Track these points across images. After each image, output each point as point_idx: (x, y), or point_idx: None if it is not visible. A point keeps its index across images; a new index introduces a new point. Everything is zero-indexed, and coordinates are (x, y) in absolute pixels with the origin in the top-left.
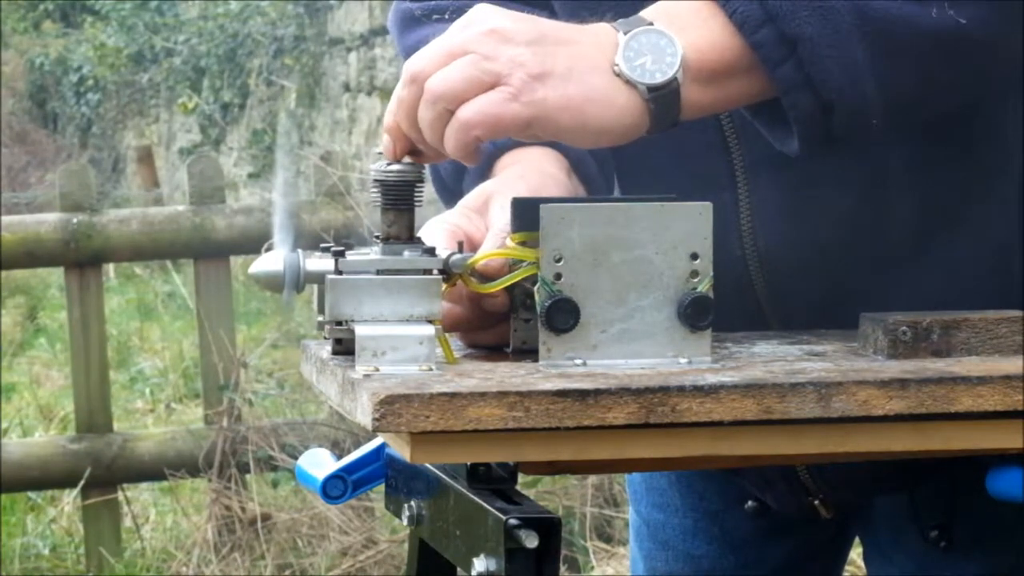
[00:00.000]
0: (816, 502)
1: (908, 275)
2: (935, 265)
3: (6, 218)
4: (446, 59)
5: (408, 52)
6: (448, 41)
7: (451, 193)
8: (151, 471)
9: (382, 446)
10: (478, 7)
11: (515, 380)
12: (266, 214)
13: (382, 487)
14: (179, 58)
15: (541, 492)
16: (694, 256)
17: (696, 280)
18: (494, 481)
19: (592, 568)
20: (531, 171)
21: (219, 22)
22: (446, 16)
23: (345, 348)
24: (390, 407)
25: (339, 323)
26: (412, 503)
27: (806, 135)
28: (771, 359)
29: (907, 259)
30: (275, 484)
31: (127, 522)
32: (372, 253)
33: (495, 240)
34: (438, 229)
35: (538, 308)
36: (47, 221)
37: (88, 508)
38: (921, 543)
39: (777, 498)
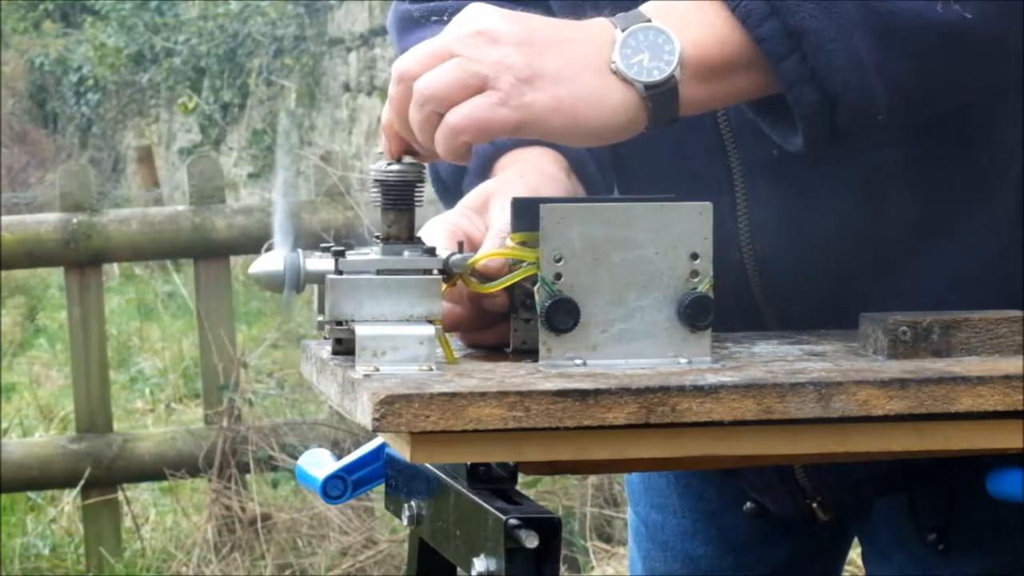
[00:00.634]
0: (814, 504)
1: (907, 277)
2: (934, 267)
3: (6, 218)
4: (432, 60)
5: None
6: (435, 42)
7: (451, 193)
8: (151, 471)
9: (382, 446)
10: (470, 7)
11: (515, 380)
12: (266, 214)
13: (382, 487)
14: (179, 58)
15: (541, 492)
16: (694, 256)
17: (696, 280)
18: (494, 481)
19: (592, 568)
20: (531, 171)
21: (219, 22)
22: (444, 18)
23: (345, 348)
24: (390, 407)
25: (339, 323)
26: (412, 503)
27: (811, 131)
28: (771, 359)
29: (905, 261)
30: (275, 484)
31: (127, 522)
32: (372, 253)
33: (495, 240)
34: (438, 229)
35: (538, 308)
36: (47, 221)
37: (88, 508)
38: (919, 544)
39: (775, 500)
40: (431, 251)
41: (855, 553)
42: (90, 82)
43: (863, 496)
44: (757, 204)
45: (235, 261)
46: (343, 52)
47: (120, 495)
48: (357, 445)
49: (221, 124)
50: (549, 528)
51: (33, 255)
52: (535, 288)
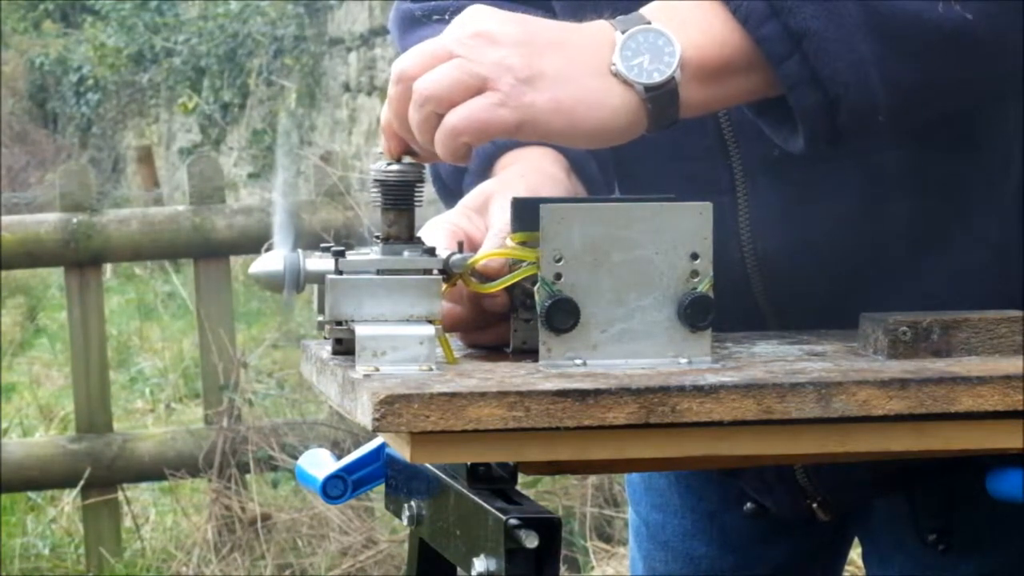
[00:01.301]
0: (814, 504)
1: (907, 278)
2: (934, 268)
3: (6, 218)
4: (432, 61)
5: None
6: (435, 43)
7: (451, 192)
8: (151, 471)
9: (382, 446)
10: (471, 8)
11: (515, 380)
12: (266, 214)
13: (382, 487)
14: (179, 58)
15: (541, 492)
16: (694, 256)
17: (696, 280)
18: (494, 481)
19: (592, 568)
20: (531, 171)
21: (219, 22)
22: (446, 17)
23: (345, 348)
24: (390, 407)
25: (339, 323)
26: (412, 503)
27: (812, 132)
28: (771, 359)
29: (906, 261)
30: (275, 484)
31: (127, 522)
32: (372, 253)
33: (495, 240)
34: (438, 229)
35: (538, 308)
36: (47, 221)
37: (88, 508)
38: (919, 544)
39: (775, 500)
40: (431, 251)
41: (855, 553)
42: (90, 82)
43: (863, 497)
44: (758, 204)
45: (235, 261)
46: (343, 52)
47: (120, 495)
48: (357, 445)
49: (221, 124)
50: (549, 528)
51: (33, 255)
52: (535, 288)
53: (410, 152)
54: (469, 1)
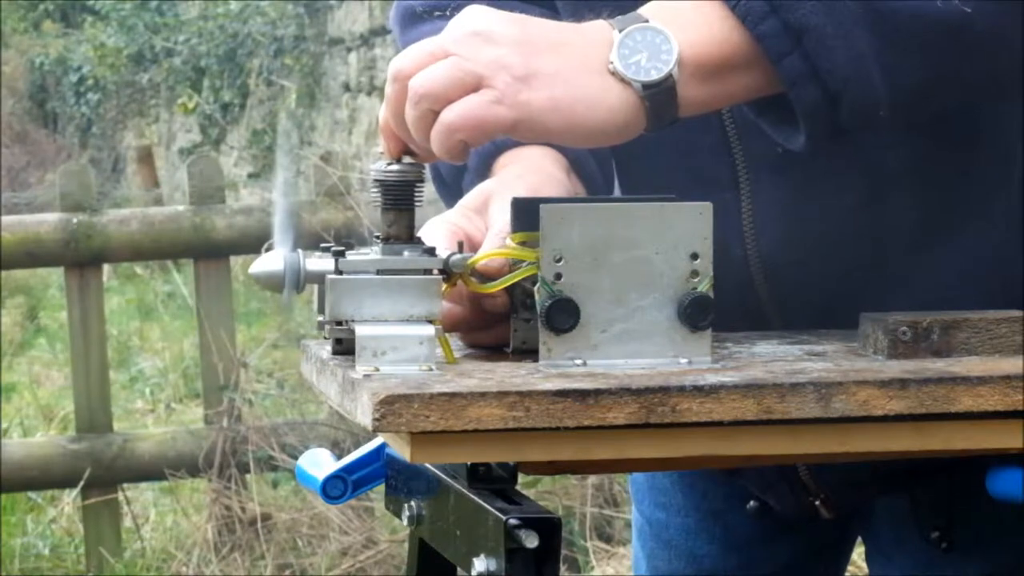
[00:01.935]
0: (817, 503)
1: (910, 275)
2: (937, 266)
3: (6, 218)
4: (428, 59)
5: None
6: (431, 42)
7: (451, 191)
8: (151, 471)
9: (382, 446)
10: (469, 8)
11: (515, 380)
12: (266, 214)
13: (382, 487)
14: (179, 58)
15: (541, 492)
16: (694, 256)
17: (696, 280)
18: (494, 481)
19: (592, 568)
20: (530, 171)
21: (219, 22)
22: (448, 13)
23: (345, 348)
24: (390, 407)
25: (339, 323)
26: (412, 503)
27: (813, 129)
28: (771, 359)
29: (909, 259)
30: (275, 484)
31: (127, 522)
32: (372, 253)
33: (495, 240)
34: (438, 229)
35: (538, 308)
36: (47, 221)
37: (88, 508)
38: (922, 543)
39: (778, 499)
40: (431, 251)
41: (856, 553)
42: (90, 82)
43: (866, 495)
44: (761, 201)
45: (235, 261)
46: (343, 52)
47: (120, 495)
48: (357, 445)
49: (221, 124)
50: (549, 528)
51: (33, 255)
52: (535, 288)
53: (409, 152)
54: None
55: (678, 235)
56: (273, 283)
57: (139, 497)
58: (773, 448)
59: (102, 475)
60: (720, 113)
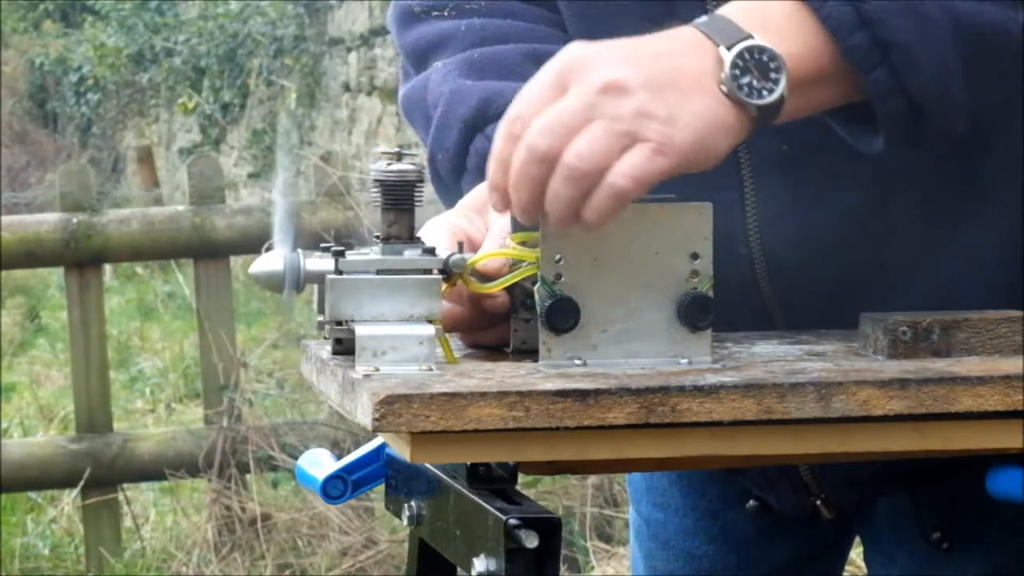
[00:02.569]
0: (818, 502)
1: (914, 274)
2: (941, 265)
3: (6, 218)
4: (566, 131)
5: (407, 49)
6: (568, 109)
7: (451, 193)
8: (151, 471)
9: (382, 446)
10: (574, 51)
11: (515, 380)
12: (266, 214)
13: (382, 487)
14: (179, 58)
15: (541, 492)
16: (694, 256)
17: (696, 280)
18: (494, 481)
19: (592, 568)
20: None
21: (219, 22)
22: (445, 13)
23: (345, 348)
24: (390, 407)
25: (339, 323)
26: (412, 503)
27: (892, 138)
28: (771, 359)
29: (913, 259)
30: (275, 484)
31: (127, 522)
32: (372, 253)
33: (495, 240)
34: (438, 229)
35: (538, 308)
36: (47, 221)
37: (88, 508)
38: (922, 543)
39: (779, 498)
40: (431, 251)
41: (855, 553)
42: (90, 82)
43: (867, 494)
44: (766, 200)
45: (235, 261)
46: (343, 52)
47: (120, 495)
48: (357, 445)
49: (221, 124)
50: (549, 528)
51: (33, 255)
52: (535, 288)
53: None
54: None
55: (678, 235)
56: (273, 283)
57: (139, 497)
58: (773, 448)
59: (102, 475)
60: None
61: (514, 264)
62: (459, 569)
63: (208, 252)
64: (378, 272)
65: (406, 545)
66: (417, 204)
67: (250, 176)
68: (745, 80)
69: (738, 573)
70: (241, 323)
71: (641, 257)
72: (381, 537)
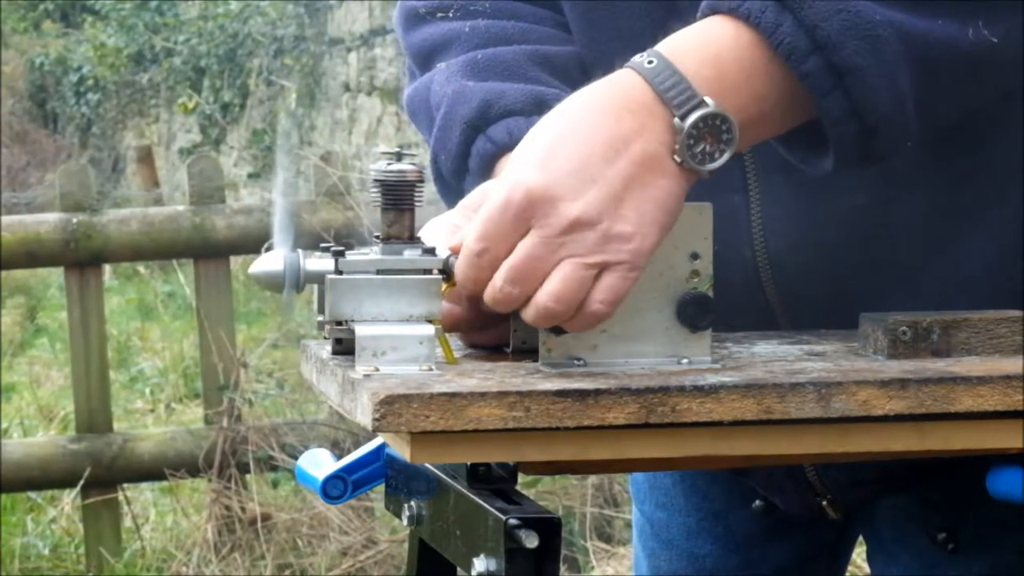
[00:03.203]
0: (824, 502)
1: (918, 275)
2: (946, 266)
3: (6, 218)
4: (542, 275)
5: (412, 50)
6: (535, 255)
7: (452, 193)
8: (151, 471)
9: (382, 446)
10: (524, 175)
11: (515, 380)
12: (266, 214)
13: (382, 487)
14: (179, 58)
15: (541, 492)
16: (694, 256)
17: (696, 280)
18: (494, 481)
19: (592, 568)
20: None
21: (219, 22)
22: (450, 14)
23: (345, 348)
24: (390, 407)
25: (339, 323)
26: (412, 503)
27: (842, 159)
28: (771, 359)
29: (917, 260)
30: (275, 484)
31: (127, 522)
32: (372, 253)
33: None
34: (438, 229)
35: None
36: (47, 221)
37: (88, 508)
38: (926, 543)
39: (785, 498)
40: (431, 251)
41: (856, 553)
42: (90, 82)
43: (872, 495)
44: (770, 202)
45: (235, 261)
46: (343, 52)
47: (120, 495)
48: (357, 445)
49: (221, 124)
50: (549, 528)
51: (33, 255)
52: None
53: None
54: (473, 0)
55: (678, 235)
56: (273, 283)
57: (139, 497)
58: (773, 448)
59: (102, 475)
60: None
61: None
62: (459, 569)
63: (208, 252)
64: (378, 272)
65: (406, 545)
66: (417, 204)
67: (250, 176)
68: (699, 148)
69: (741, 573)
70: (241, 323)
71: None
72: (381, 537)
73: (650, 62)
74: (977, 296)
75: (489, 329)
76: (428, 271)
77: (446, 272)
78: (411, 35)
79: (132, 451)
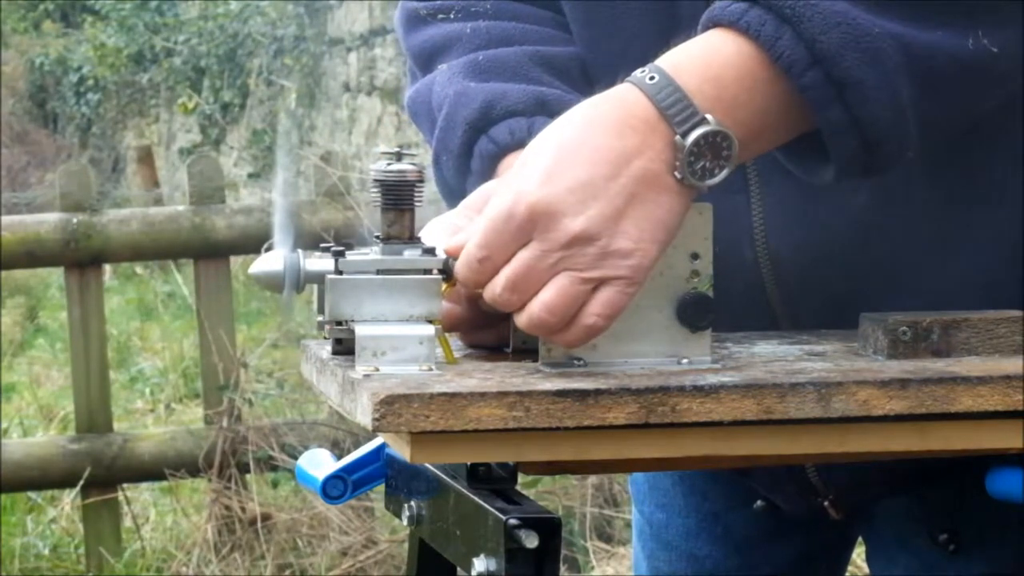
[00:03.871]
0: (826, 503)
1: (920, 276)
2: (947, 266)
3: (6, 218)
4: (539, 285)
5: (414, 51)
6: (534, 267)
7: (454, 193)
8: (151, 471)
9: (382, 446)
10: (527, 189)
11: (515, 380)
12: (266, 214)
13: (382, 487)
14: (179, 58)
15: (541, 492)
16: (694, 256)
17: (696, 280)
18: (494, 481)
19: (592, 568)
20: None
21: (219, 22)
22: (451, 16)
23: (345, 348)
24: (390, 407)
25: (339, 323)
26: (412, 503)
27: (844, 171)
28: (771, 359)
29: (919, 260)
30: (275, 484)
31: (127, 522)
32: (372, 253)
33: None
34: (439, 229)
35: None
36: (47, 221)
37: (88, 508)
38: (926, 543)
39: (787, 499)
40: (431, 251)
41: (856, 553)
42: (90, 82)
43: (874, 495)
44: (771, 203)
45: (235, 261)
46: (343, 52)
47: (120, 495)
48: (357, 445)
49: (221, 124)
50: (549, 528)
51: (33, 255)
52: None
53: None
54: (475, 1)
55: (678, 235)
56: (273, 283)
57: (139, 497)
58: (773, 448)
59: (102, 475)
60: None
61: None
62: (459, 569)
63: (208, 252)
64: (378, 272)
65: (406, 545)
66: (417, 204)
67: (250, 176)
68: (699, 165)
69: (740, 574)
70: (241, 323)
71: None
72: (381, 537)
73: (652, 78)
74: (977, 296)
75: (489, 329)
76: (428, 271)
77: (446, 272)
78: (412, 36)
79: (132, 451)
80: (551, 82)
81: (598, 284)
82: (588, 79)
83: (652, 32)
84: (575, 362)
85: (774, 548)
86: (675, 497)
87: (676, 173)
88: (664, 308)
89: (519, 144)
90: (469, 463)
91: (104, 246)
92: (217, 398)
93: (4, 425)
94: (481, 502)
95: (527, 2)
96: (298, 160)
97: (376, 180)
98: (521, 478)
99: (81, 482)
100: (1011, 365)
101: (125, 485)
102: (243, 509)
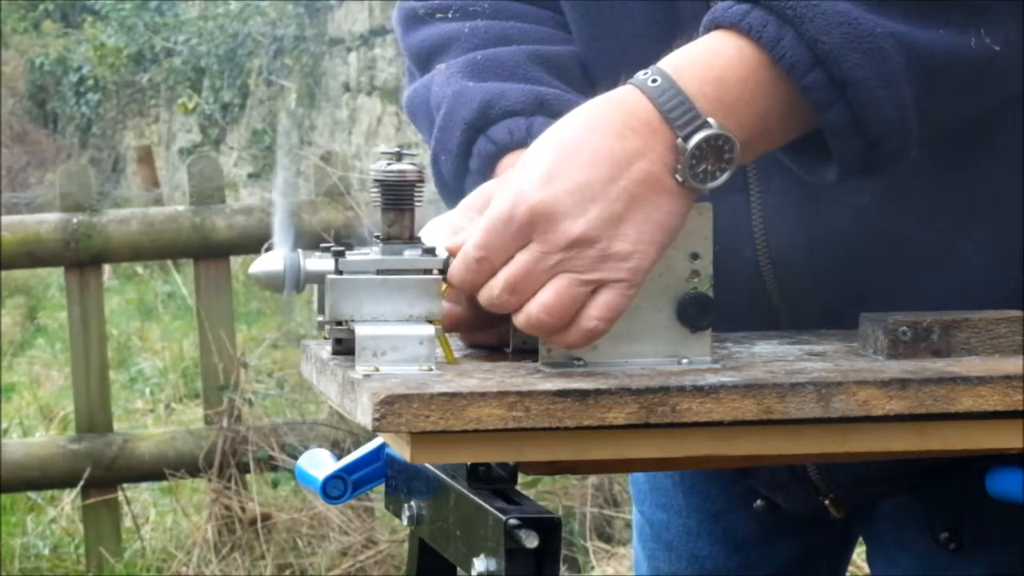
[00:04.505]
0: (827, 502)
1: (921, 276)
2: (947, 265)
3: (6, 218)
4: (537, 286)
5: (412, 51)
6: (534, 270)
7: (453, 193)
8: (151, 471)
9: (382, 446)
10: (528, 189)
11: (515, 380)
12: (266, 214)
13: (382, 487)
14: (179, 58)
15: (541, 492)
16: (694, 256)
17: (696, 280)
18: (494, 481)
19: (592, 568)
20: None
21: (219, 22)
22: (449, 15)
23: (345, 348)
24: (390, 407)
25: (339, 323)
26: (412, 503)
27: (846, 170)
28: (771, 359)
29: (919, 260)
30: (275, 484)
31: (127, 522)
32: (372, 253)
33: None
34: (439, 229)
35: None
36: (47, 221)
37: (88, 508)
38: (927, 543)
39: (788, 498)
40: (431, 251)
41: (856, 553)
42: (90, 82)
43: (876, 495)
44: (771, 203)
45: (235, 261)
46: (343, 52)
47: (120, 495)
48: (357, 445)
49: (221, 124)
50: (549, 528)
51: (33, 255)
52: None
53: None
54: (472, 1)
55: (678, 235)
56: (273, 283)
57: (139, 497)
58: (773, 448)
59: (102, 475)
60: None
61: None
62: (459, 569)
63: (208, 252)
64: (378, 272)
65: (406, 545)
66: (417, 204)
67: (250, 176)
68: (700, 168)
69: (741, 574)
70: (241, 323)
71: None
72: (381, 537)
73: (654, 80)
74: (978, 296)
75: (489, 329)
76: (428, 271)
77: (446, 272)
78: (410, 36)
79: (132, 451)
80: (550, 81)
81: (597, 286)
82: (587, 78)
83: (652, 32)
84: (575, 362)
85: (775, 548)
86: (675, 497)
87: (677, 176)
88: (664, 308)
89: (518, 144)
90: (469, 463)
91: (104, 246)
92: (217, 398)
93: (4, 425)
94: (481, 502)
95: (526, 1)
96: (298, 160)
97: (376, 180)
98: (521, 478)
99: (81, 482)
100: (1011, 365)
101: (125, 485)
102: (243, 509)
